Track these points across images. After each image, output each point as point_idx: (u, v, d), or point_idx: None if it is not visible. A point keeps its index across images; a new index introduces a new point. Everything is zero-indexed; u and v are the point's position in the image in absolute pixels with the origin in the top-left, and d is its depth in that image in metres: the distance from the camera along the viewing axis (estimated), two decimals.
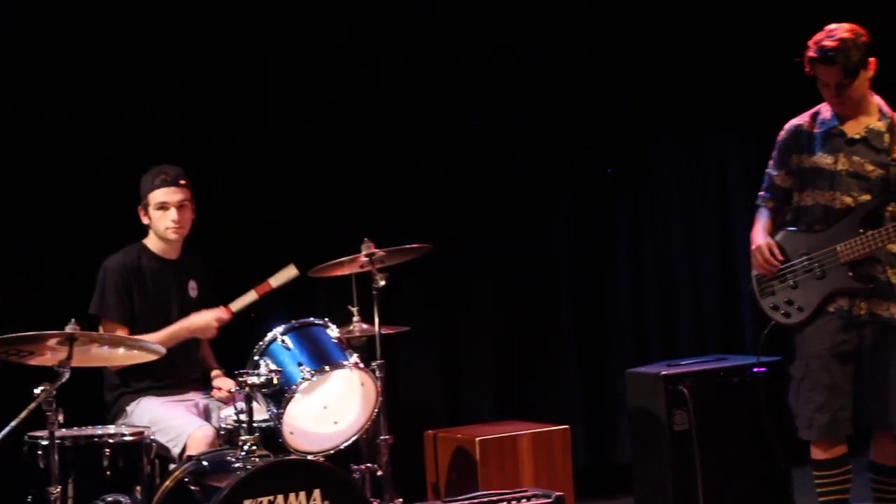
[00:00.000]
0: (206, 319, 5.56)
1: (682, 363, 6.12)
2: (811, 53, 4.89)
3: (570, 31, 7.12)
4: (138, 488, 4.97)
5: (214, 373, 5.75)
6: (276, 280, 5.63)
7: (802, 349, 5.06)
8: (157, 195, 5.56)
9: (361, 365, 5.38)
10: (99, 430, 5.11)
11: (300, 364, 5.23)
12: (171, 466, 5.13)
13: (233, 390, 5.35)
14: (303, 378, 5.19)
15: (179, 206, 5.56)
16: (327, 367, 5.28)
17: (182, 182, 5.58)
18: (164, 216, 5.57)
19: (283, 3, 6.55)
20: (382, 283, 5.59)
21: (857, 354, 4.98)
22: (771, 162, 5.21)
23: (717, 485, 5.82)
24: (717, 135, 7.51)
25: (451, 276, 6.90)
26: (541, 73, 7.07)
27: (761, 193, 5.26)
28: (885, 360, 4.94)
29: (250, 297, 5.63)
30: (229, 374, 5.59)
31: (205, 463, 5.03)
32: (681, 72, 7.37)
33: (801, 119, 5.11)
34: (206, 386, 5.70)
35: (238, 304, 5.63)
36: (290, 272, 5.63)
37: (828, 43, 4.83)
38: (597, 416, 7.08)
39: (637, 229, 7.31)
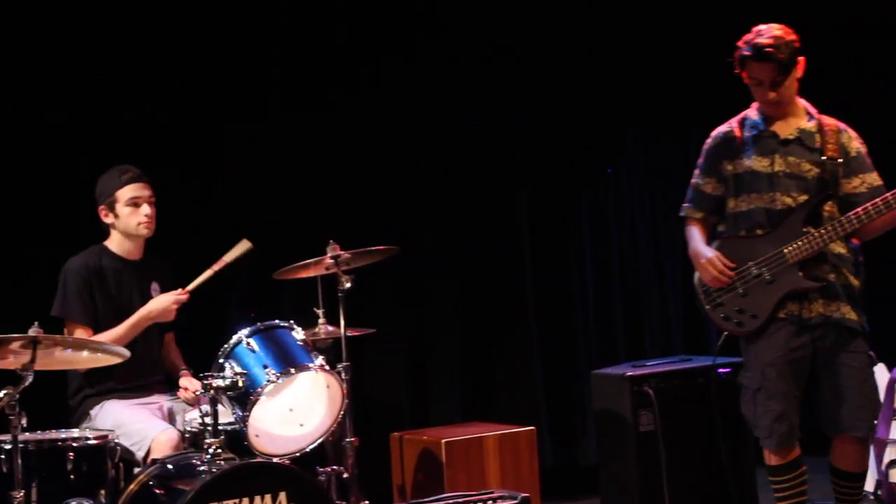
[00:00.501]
0: (164, 303, 5.53)
1: (648, 364, 6.14)
2: (744, 52, 4.89)
3: (543, 30, 7.14)
4: (102, 492, 4.94)
5: (182, 373, 5.71)
6: (231, 255, 5.61)
7: (756, 358, 5.00)
8: (128, 191, 5.53)
9: (327, 367, 5.37)
10: (63, 434, 5.07)
11: (265, 366, 5.21)
12: (136, 470, 5.10)
13: (199, 392, 5.32)
14: (268, 380, 5.17)
15: (150, 202, 5.54)
16: (293, 370, 5.26)
17: (146, 180, 5.57)
18: (135, 212, 5.53)
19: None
20: (348, 285, 5.58)
21: (811, 360, 4.97)
22: (697, 171, 5.17)
23: (683, 485, 5.84)
24: (680, 133, 7.53)
25: (417, 278, 6.90)
26: (503, 76, 7.07)
27: (686, 205, 5.21)
28: (842, 362, 4.93)
29: (206, 274, 5.60)
30: (195, 376, 5.56)
31: (170, 466, 5.00)
32: (645, 69, 7.41)
33: (728, 125, 5.10)
34: (170, 388, 5.67)
35: (194, 284, 5.60)
36: (243, 246, 5.61)
37: (761, 40, 4.84)
38: (563, 417, 7.10)
39: (602, 231, 7.33)
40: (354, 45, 6.73)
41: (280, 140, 6.61)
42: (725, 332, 5.15)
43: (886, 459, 5.77)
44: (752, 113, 5.05)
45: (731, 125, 5.09)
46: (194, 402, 5.45)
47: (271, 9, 6.54)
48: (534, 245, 7.12)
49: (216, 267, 5.61)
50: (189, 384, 5.60)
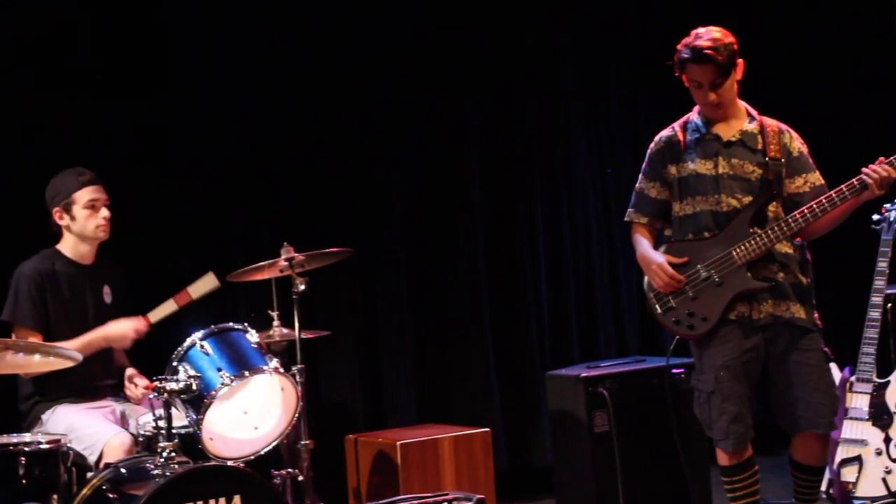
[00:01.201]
0: (122, 329, 5.48)
1: (602, 365, 6.16)
2: (683, 55, 4.90)
3: (492, 25, 7.16)
4: (55, 497, 4.88)
5: (129, 371, 5.65)
6: (196, 290, 5.56)
7: (710, 362, 5.01)
8: (85, 193, 5.48)
9: (281, 370, 5.36)
10: (14, 439, 5.01)
11: (220, 369, 5.19)
12: (89, 475, 5.06)
13: (150, 396, 5.27)
14: (222, 383, 5.16)
15: (106, 205, 5.51)
16: (247, 373, 5.25)
17: (102, 182, 5.53)
18: (93, 215, 5.49)
19: None
20: (302, 287, 5.57)
21: (764, 361, 5.00)
22: (641, 176, 5.18)
23: (638, 485, 5.87)
24: (631, 136, 7.57)
25: (372, 280, 6.89)
26: (456, 80, 7.08)
27: (630, 211, 5.21)
28: (796, 361, 4.95)
29: (169, 307, 5.55)
30: (147, 379, 5.53)
31: (123, 470, 4.97)
32: (598, 67, 7.45)
33: (671, 129, 5.11)
34: (122, 392, 5.63)
35: (157, 315, 5.55)
36: (209, 282, 5.56)
37: (700, 43, 4.85)
38: (518, 418, 7.11)
39: (557, 232, 7.34)
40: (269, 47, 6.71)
41: (234, 141, 6.57)
42: (676, 338, 5.16)
43: (838, 458, 5.82)
44: (694, 116, 5.07)
45: (674, 129, 5.10)
46: (142, 400, 5.42)
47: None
48: (488, 247, 7.12)
49: (181, 302, 5.55)
50: (138, 381, 5.54)
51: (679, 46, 4.93)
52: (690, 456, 5.88)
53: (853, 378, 5.87)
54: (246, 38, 6.61)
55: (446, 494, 5.43)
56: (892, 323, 6.61)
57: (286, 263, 5.60)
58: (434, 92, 7.01)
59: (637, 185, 5.20)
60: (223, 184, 6.54)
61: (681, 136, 5.06)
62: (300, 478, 5.58)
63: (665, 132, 5.13)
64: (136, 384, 5.54)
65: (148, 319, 5.53)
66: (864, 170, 4.77)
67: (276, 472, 5.57)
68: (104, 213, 5.50)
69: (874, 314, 5.91)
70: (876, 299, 5.94)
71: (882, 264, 5.98)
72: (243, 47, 6.60)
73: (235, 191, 6.56)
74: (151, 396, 5.10)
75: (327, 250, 5.71)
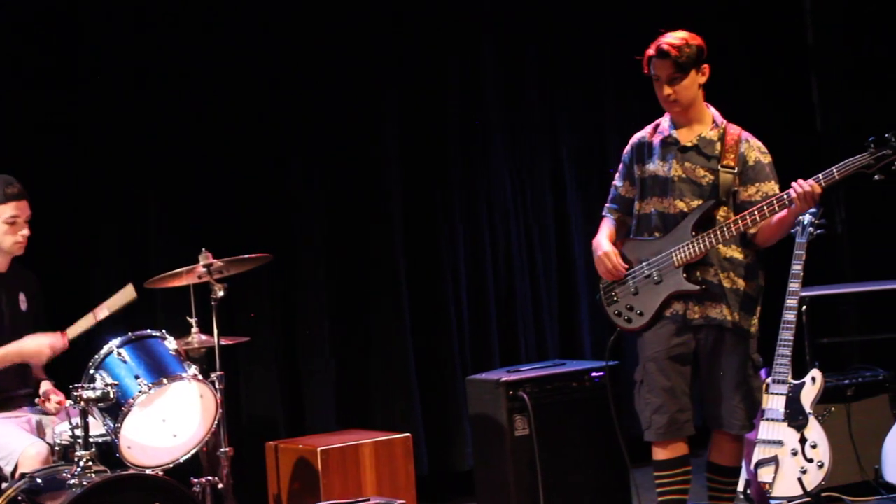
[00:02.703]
0: (38, 345, 5.35)
1: (522, 369, 6.19)
2: (649, 52, 5.08)
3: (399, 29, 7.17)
4: None
5: (44, 387, 5.56)
6: (114, 302, 5.48)
7: (641, 353, 5.19)
8: (8, 209, 5.35)
9: (200, 377, 5.33)
10: None
11: (137, 377, 5.16)
12: (4, 485, 5.00)
13: (67, 405, 5.21)
14: (140, 391, 5.12)
15: (27, 222, 5.41)
16: (165, 380, 5.21)
17: (29, 197, 5.41)
18: (12, 230, 5.37)
19: None
20: (221, 293, 5.54)
21: (693, 357, 5.12)
22: (617, 175, 5.35)
23: (558, 488, 5.90)
24: (548, 139, 7.62)
25: (291, 286, 6.86)
26: (374, 83, 7.08)
27: (607, 205, 5.39)
28: (720, 362, 5.09)
29: (87, 321, 5.46)
30: (63, 388, 5.45)
31: (39, 480, 4.91)
32: (512, 77, 7.48)
33: (645, 131, 5.28)
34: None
35: (75, 331, 5.46)
36: (127, 294, 5.47)
37: (664, 40, 5.05)
38: (439, 423, 7.11)
39: (477, 236, 7.36)
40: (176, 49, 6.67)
41: (149, 145, 6.52)
42: (617, 330, 5.26)
43: (755, 459, 5.89)
44: (664, 120, 5.22)
45: (647, 131, 5.28)
46: (58, 412, 5.35)
47: None
48: (407, 251, 7.12)
49: (99, 315, 5.45)
50: (53, 397, 5.47)
51: (651, 46, 5.11)
52: (610, 458, 5.93)
53: (769, 380, 5.94)
54: (157, 40, 6.54)
55: (367, 500, 5.42)
56: (807, 325, 6.72)
57: (204, 270, 5.56)
58: (352, 95, 6.99)
59: (614, 181, 5.37)
60: (139, 189, 6.48)
61: (650, 138, 5.22)
62: (220, 485, 5.54)
63: (639, 133, 5.30)
64: (51, 399, 5.45)
65: (66, 335, 5.44)
66: (793, 184, 4.86)
67: (196, 480, 5.54)
68: (24, 231, 5.40)
69: (789, 316, 5.99)
70: (791, 302, 6.02)
71: (796, 267, 6.06)
72: (156, 50, 6.54)
73: (151, 197, 6.51)
74: (68, 405, 5.04)
75: (246, 256, 5.68)
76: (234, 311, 6.48)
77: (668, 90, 5.03)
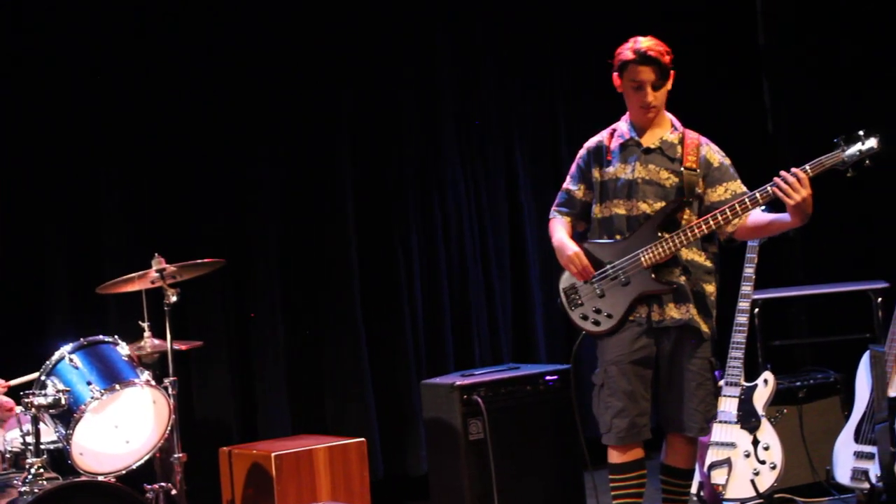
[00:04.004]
0: None
1: (477, 373, 6.19)
2: (626, 57, 5.04)
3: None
4: None
5: None
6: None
7: (602, 357, 5.17)
8: None
9: (153, 382, 5.31)
10: None
11: (89, 383, 5.13)
12: None
13: (18, 411, 5.18)
14: (92, 397, 5.09)
15: None
16: (117, 386, 5.19)
17: None
18: None
19: None
20: (174, 298, 5.52)
21: (655, 360, 5.13)
22: (569, 178, 5.32)
23: (513, 491, 5.90)
24: (504, 142, 7.63)
25: (244, 291, 6.84)
26: (327, 85, 7.08)
27: (557, 207, 5.34)
28: (682, 363, 5.09)
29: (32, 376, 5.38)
30: (13, 394, 5.40)
31: None
32: (467, 77, 7.50)
33: (601, 136, 5.26)
34: None
35: (19, 380, 5.38)
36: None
37: (642, 46, 5.03)
38: (393, 427, 7.10)
39: (431, 241, 7.36)
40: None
41: (100, 149, 6.48)
42: (583, 333, 5.25)
43: (708, 461, 5.93)
44: (623, 124, 5.22)
45: (603, 136, 5.26)
46: (7, 419, 5.31)
47: None
48: (362, 256, 7.10)
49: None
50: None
51: (619, 51, 5.07)
52: (564, 462, 5.95)
53: (722, 382, 5.98)
54: (114, 37, 6.51)
55: None
56: (759, 328, 6.77)
57: (157, 274, 5.54)
58: (304, 94, 6.97)
59: (564, 185, 5.33)
60: (90, 193, 6.44)
61: (608, 143, 5.21)
62: (173, 492, 5.52)
63: (594, 138, 5.27)
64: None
65: (7, 385, 5.37)
66: (782, 173, 4.83)
67: (149, 487, 5.51)
68: None
69: (741, 319, 6.04)
70: (743, 304, 6.07)
71: (749, 270, 6.12)
72: (106, 51, 6.50)
73: (103, 201, 6.47)
74: (19, 411, 5.00)
75: (199, 261, 5.66)
76: (188, 316, 6.45)
77: (651, 96, 5.03)
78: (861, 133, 4.75)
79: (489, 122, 7.59)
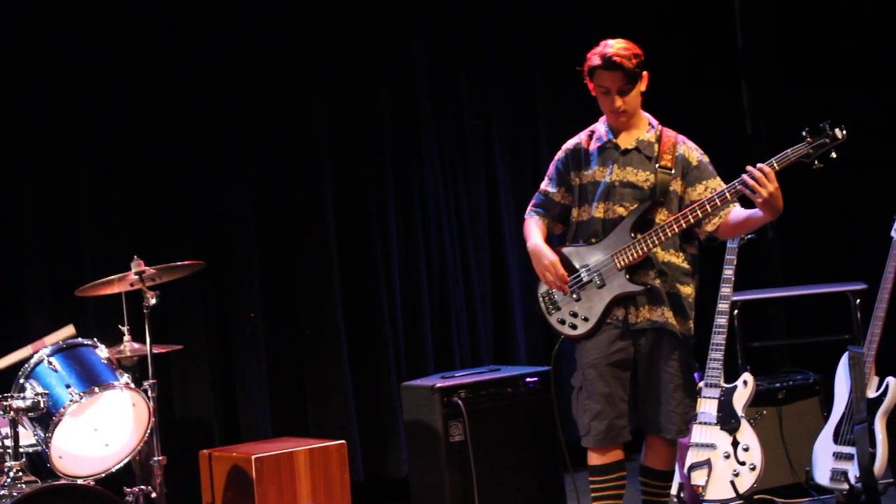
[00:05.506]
0: None
1: (457, 375, 6.20)
2: (593, 63, 5.04)
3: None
4: None
5: None
6: (53, 338, 5.41)
7: (580, 359, 5.16)
8: None
9: (133, 385, 5.29)
10: None
11: (68, 386, 5.12)
12: None
13: None
14: (71, 400, 5.08)
15: None
16: (97, 389, 5.18)
17: None
18: None
19: None
20: (153, 301, 5.50)
21: (633, 362, 5.13)
22: (547, 180, 5.30)
23: (494, 492, 5.91)
24: (483, 144, 7.64)
25: (224, 293, 6.82)
26: (305, 84, 7.07)
27: (533, 209, 5.32)
28: (659, 365, 5.09)
29: (24, 352, 5.39)
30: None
31: None
32: (445, 79, 7.50)
33: (579, 138, 5.25)
34: None
35: (6, 362, 5.38)
36: (67, 331, 5.43)
37: (609, 51, 5.01)
38: (374, 429, 7.10)
39: (411, 244, 7.35)
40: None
41: (79, 150, 6.45)
42: (561, 337, 5.25)
43: (688, 462, 5.95)
44: (600, 126, 5.21)
45: (581, 138, 5.25)
46: None
47: None
48: (341, 258, 7.09)
49: (33, 348, 5.39)
50: None
51: (589, 55, 5.06)
52: (545, 463, 5.96)
53: (702, 383, 6.00)
54: (90, 40, 6.49)
55: None
56: (738, 329, 6.79)
57: (136, 277, 5.52)
58: (281, 96, 6.97)
59: (542, 186, 5.31)
60: (69, 196, 6.42)
61: (585, 145, 5.20)
62: (153, 495, 5.50)
63: (572, 140, 5.26)
64: None
65: None
66: (749, 168, 4.83)
67: (129, 490, 5.50)
68: None
69: (721, 321, 6.06)
70: (722, 306, 6.08)
71: (728, 272, 6.13)
72: (81, 52, 6.48)
73: (82, 203, 6.44)
74: None
75: (178, 263, 5.65)
76: (167, 319, 6.43)
77: (619, 101, 5.03)
78: (826, 124, 4.76)
79: (469, 124, 7.59)
